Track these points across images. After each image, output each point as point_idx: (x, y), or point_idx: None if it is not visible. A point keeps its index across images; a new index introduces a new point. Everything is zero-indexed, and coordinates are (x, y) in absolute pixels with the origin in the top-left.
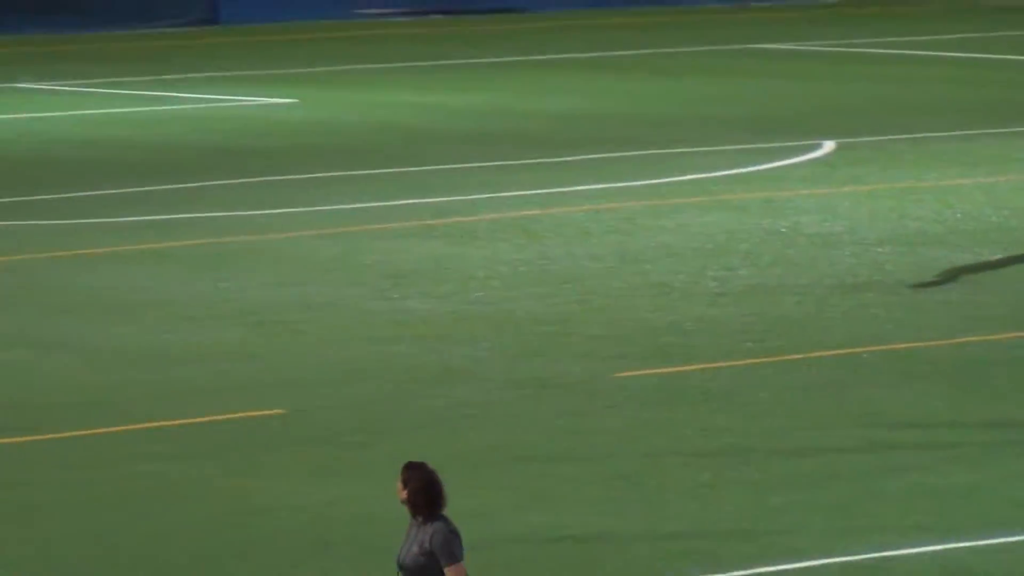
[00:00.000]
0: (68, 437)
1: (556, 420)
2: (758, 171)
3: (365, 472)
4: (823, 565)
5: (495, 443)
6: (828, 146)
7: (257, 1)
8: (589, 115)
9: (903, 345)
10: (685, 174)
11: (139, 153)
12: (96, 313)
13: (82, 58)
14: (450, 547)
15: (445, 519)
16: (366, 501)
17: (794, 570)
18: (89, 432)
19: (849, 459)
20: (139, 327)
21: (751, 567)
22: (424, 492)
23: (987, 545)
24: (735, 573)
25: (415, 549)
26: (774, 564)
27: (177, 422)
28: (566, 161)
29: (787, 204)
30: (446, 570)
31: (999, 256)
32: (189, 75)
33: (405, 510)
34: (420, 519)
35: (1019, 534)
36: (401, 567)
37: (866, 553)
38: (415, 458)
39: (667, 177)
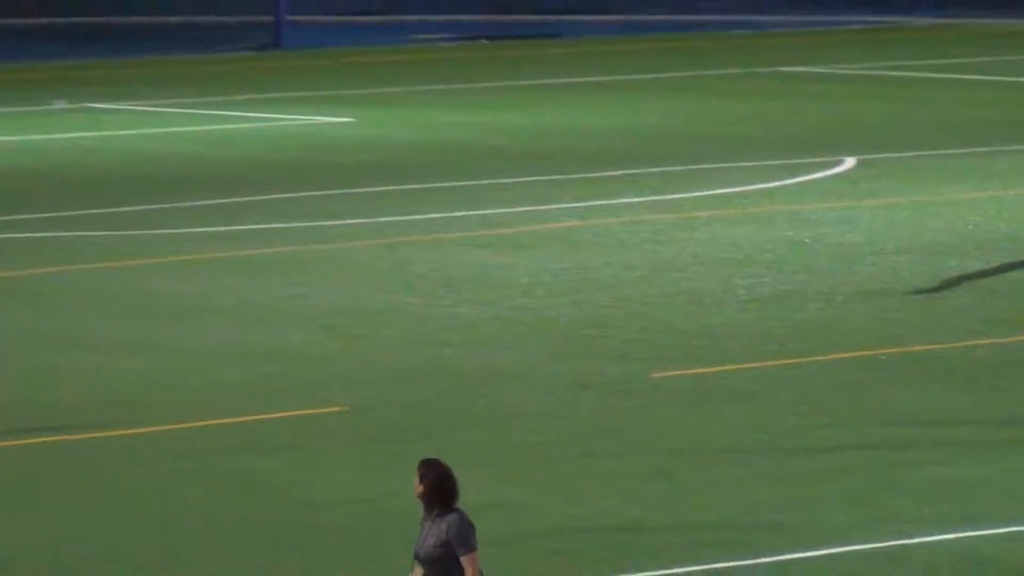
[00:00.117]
0: (142, 433)
1: (594, 418)
2: (783, 186)
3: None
4: (844, 553)
5: (538, 439)
6: (849, 162)
7: (317, 27)
8: (625, 133)
9: (918, 347)
10: (715, 188)
11: (208, 168)
12: (170, 317)
13: (154, 81)
14: (466, 537)
15: (459, 511)
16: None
17: (817, 557)
18: (162, 428)
19: (868, 454)
20: (210, 330)
21: (776, 555)
22: (439, 487)
23: (998, 534)
24: (761, 561)
25: (431, 541)
26: (798, 552)
27: (244, 418)
28: (604, 176)
29: (810, 216)
30: (462, 559)
31: (1009, 264)
32: (254, 96)
33: (422, 505)
34: (435, 513)
35: None
36: (418, 558)
37: (884, 542)
38: (464, 454)
39: (698, 191)
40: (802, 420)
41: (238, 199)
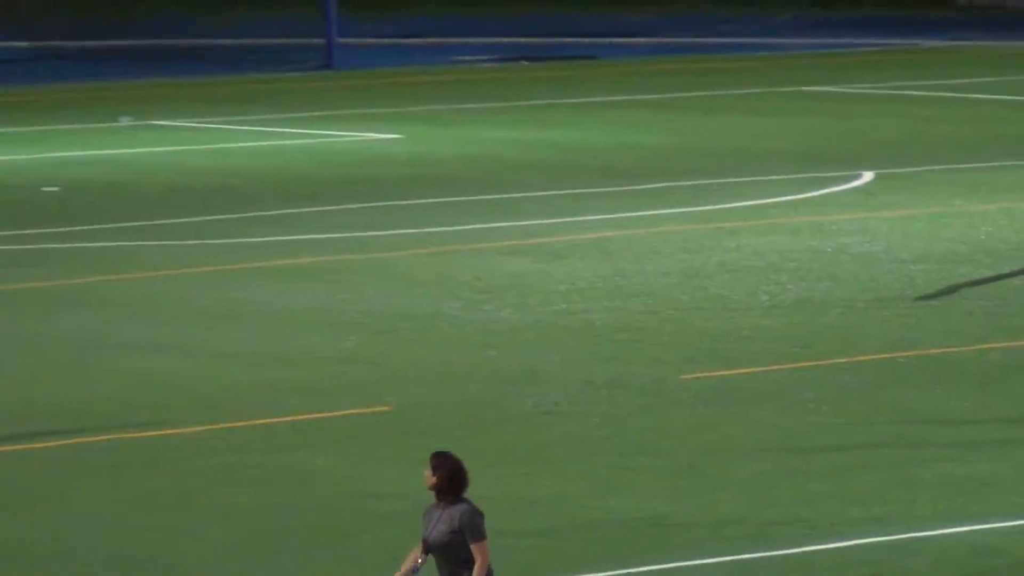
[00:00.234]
0: (202, 431)
1: (628, 417)
2: (806, 198)
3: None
4: (862, 545)
5: (575, 437)
6: (868, 176)
7: (367, 49)
8: (657, 149)
9: (933, 351)
10: (742, 201)
11: (264, 182)
12: (227, 322)
13: (214, 100)
14: (477, 527)
15: (469, 501)
16: None
17: (836, 549)
18: (216, 427)
19: (885, 451)
20: (265, 334)
21: (798, 547)
22: (452, 478)
23: (1008, 527)
24: (784, 552)
25: (442, 527)
26: (818, 544)
27: (298, 417)
28: (637, 189)
29: (831, 227)
30: (473, 546)
31: (1019, 272)
32: (307, 114)
33: (433, 495)
34: (444, 502)
35: None
36: (427, 544)
37: (900, 534)
38: (504, 450)
39: (726, 203)
40: (823, 419)
41: (292, 211)
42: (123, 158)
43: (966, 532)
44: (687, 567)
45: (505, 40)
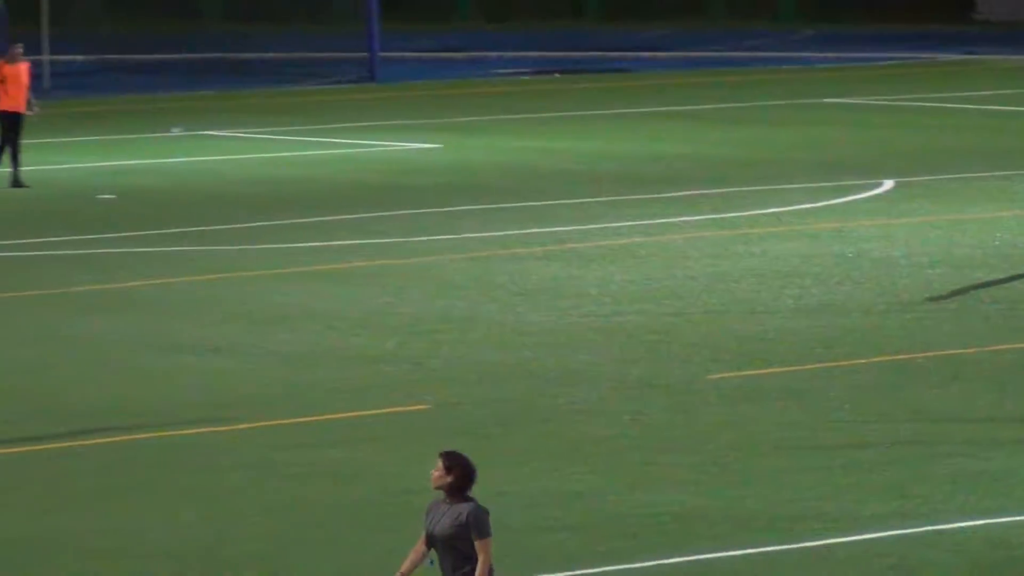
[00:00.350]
0: (250, 428)
1: (657, 415)
2: (829, 205)
3: (498, 459)
4: (881, 538)
5: (606, 434)
6: (888, 184)
7: (407, 63)
8: (686, 158)
9: (950, 352)
10: (767, 208)
11: (309, 189)
12: (274, 324)
13: (261, 110)
14: (483, 524)
15: (474, 500)
16: (500, 482)
17: (857, 542)
18: (268, 423)
19: (904, 448)
20: (309, 335)
21: (821, 539)
22: (468, 476)
23: (1022, 520)
24: (807, 544)
25: (448, 522)
26: (840, 537)
27: (341, 415)
28: (667, 197)
29: (853, 233)
30: (477, 543)
31: None
32: (351, 124)
33: (443, 491)
34: (452, 499)
35: None
36: (432, 538)
37: (919, 527)
38: (539, 447)
39: (752, 210)
40: (845, 417)
41: (336, 217)
42: (175, 167)
43: (981, 525)
44: (714, 559)
45: (540, 54)
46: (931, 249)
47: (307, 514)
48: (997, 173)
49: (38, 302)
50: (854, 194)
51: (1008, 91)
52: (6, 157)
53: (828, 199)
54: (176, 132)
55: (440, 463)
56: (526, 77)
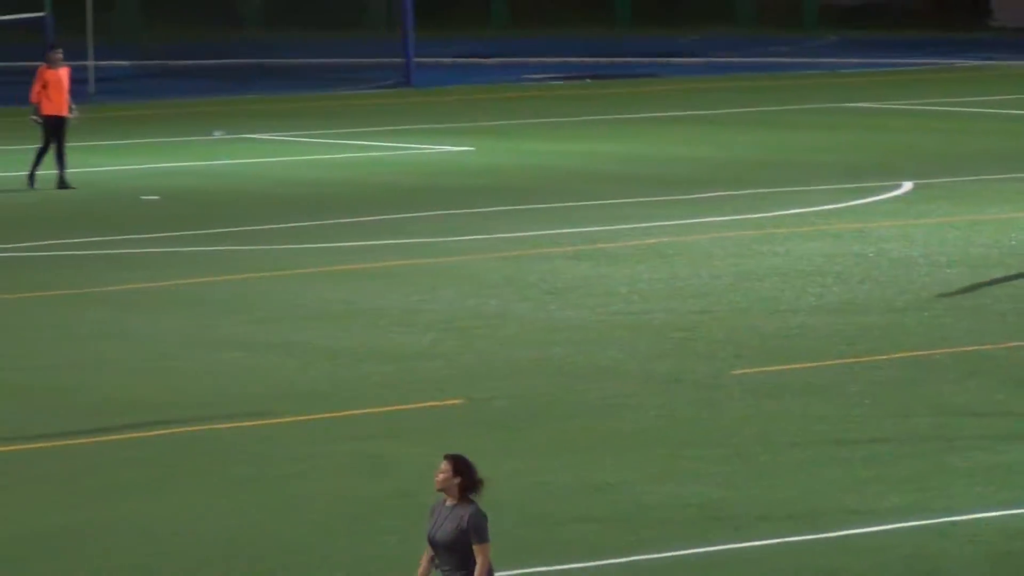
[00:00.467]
0: (293, 422)
1: (684, 409)
2: (850, 206)
3: (530, 451)
4: (900, 528)
5: (635, 428)
6: (907, 186)
7: (442, 68)
8: (712, 161)
9: (968, 348)
10: (790, 209)
11: (347, 191)
12: (315, 321)
13: (301, 114)
14: (482, 529)
15: (476, 504)
16: (532, 474)
17: (876, 532)
18: (310, 417)
19: (923, 441)
20: (349, 332)
21: (842, 529)
22: (473, 479)
23: None
24: (829, 535)
25: (449, 526)
26: (861, 527)
27: (379, 409)
28: (693, 198)
29: (873, 233)
30: (476, 548)
31: None
32: (387, 128)
33: (446, 493)
34: (454, 502)
35: None
36: (433, 542)
37: (937, 518)
38: (569, 440)
39: (775, 211)
40: (865, 411)
41: (373, 217)
42: (217, 169)
43: (997, 516)
44: (738, 549)
45: (571, 60)
46: (949, 249)
47: (348, 503)
48: (1014, 175)
49: (87, 300)
50: (875, 196)
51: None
52: (51, 159)
53: (849, 200)
54: (218, 136)
55: (447, 466)
56: (557, 82)
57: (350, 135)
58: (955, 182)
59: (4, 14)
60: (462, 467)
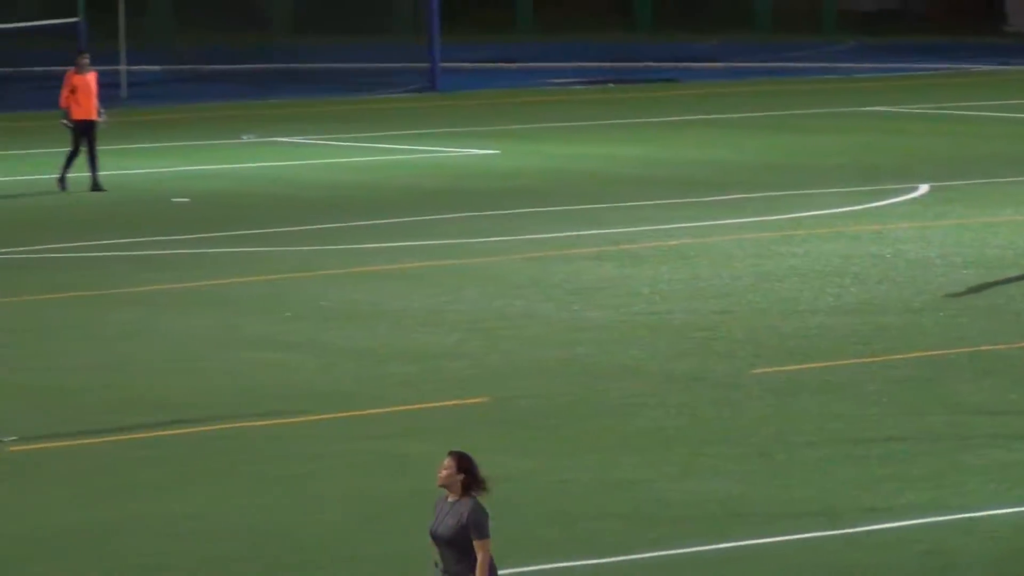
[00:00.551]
0: (319, 420)
1: (704, 407)
2: (867, 208)
3: (555, 449)
4: (917, 525)
5: (656, 425)
6: (924, 188)
7: (467, 73)
8: (732, 164)
9: (983, 348)
10: (809, 210)
11: (373, 193)
12: (343, 321)
13: (329, 118)
14: (482, 525)
15: (476, 500)
16: (556, 472)
17: (894, 528)
18: (336, 415)
19: (938, 439)
20: (376, 332)
21: (859, 526)
22: (476, 476)
23: None
24: (846, 531)
25: (450, 522)
26: (877, 524)
27: (405, 407)
28: (714, 200)
29: (890, 235)
30: (476, 544)
31: None
32: (413, 131)
33: (448, 489)
34: (456, 497)
35: None
36: (434, 537)
37: (952, 514)
38: (593, 438)
39: (794, 213)
40: (883, 410)
41: (399, 219)
42: (246, 172)
43: (1012, 513)
44: (758, 544)
45: (594, 65)
46: (965, 250)
47: (373, 501)
48: None
49: (115, 301)
50: (891, 198)
51: None
52: (83, 162)
53: (867, 203)
54: (247, 139)
55: (451, 462)
56: (581, 87)
57: (376, 139)
58: (970, 185)
59: (38, 19)
60: (466, 464)
